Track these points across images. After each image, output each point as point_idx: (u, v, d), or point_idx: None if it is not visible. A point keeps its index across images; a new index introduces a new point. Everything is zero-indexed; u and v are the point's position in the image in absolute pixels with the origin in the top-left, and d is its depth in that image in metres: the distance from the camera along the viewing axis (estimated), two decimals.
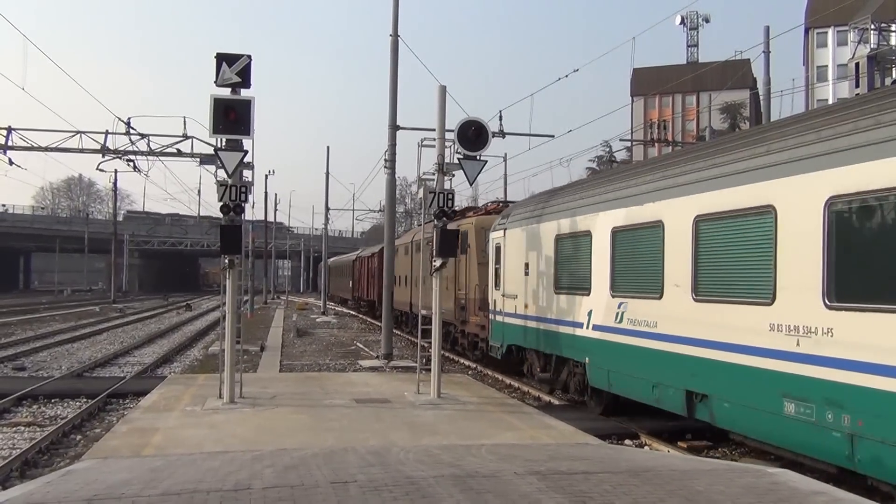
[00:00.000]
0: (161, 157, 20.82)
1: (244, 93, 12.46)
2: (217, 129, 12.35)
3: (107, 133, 19.51)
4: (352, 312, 52.66)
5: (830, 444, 7.87)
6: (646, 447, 11.43)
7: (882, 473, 7.37)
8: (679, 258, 10.50)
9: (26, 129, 19.80)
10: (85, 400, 14.95)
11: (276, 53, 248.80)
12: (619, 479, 7.53)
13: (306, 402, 12.97)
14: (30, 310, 51.92)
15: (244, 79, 12.33)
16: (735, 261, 9.53)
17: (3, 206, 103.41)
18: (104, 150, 19.69)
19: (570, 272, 14.25)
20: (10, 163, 21.41)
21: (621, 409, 13.09)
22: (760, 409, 8.92)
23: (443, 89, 14.39)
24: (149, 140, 19.63)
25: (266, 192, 61.23)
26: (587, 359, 13.32)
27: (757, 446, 9.73)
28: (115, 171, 61.30)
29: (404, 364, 20.48)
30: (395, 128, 21.48)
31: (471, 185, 15.82)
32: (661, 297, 11.00)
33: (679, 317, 10.56)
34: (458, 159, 13.69)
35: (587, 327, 13.25)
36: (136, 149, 19.82)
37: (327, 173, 51.17)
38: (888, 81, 24.70)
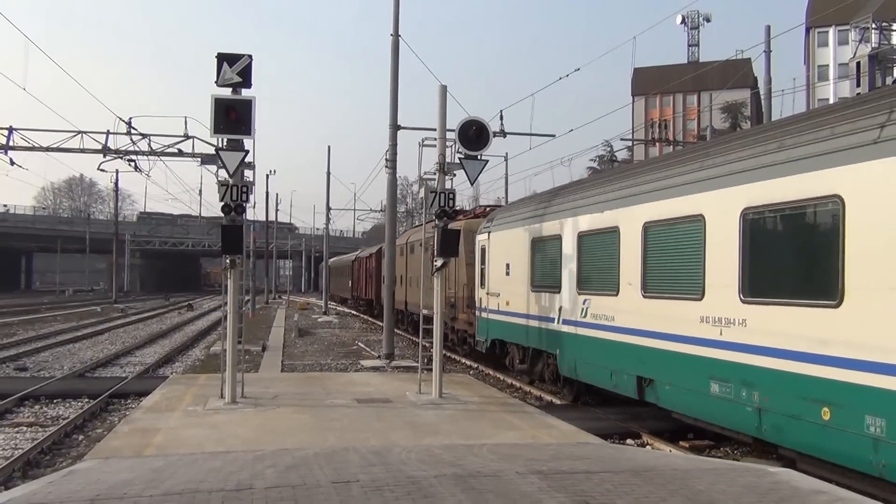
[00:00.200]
0: (162, 157, 20.84)
1: (245, 93, 12.47)
2: (218, 128, 12.35)
3: (108, 133, 19.54)
4: (353, 312, 52.67)
5: (744, 417, 9.23)
6: (647, 447, 11.44)
7: (781, 440, 8.82)
8: (631, 259, 11.85)
9: (27, 130, 19.84)
10: (87, 400, 14.97)
11: (276, 53, 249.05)
12: (620, 478, 7.53)
13: (308, 401, 12.98)
14: (31, 310, 51.95)
15: (245, 79, 12.33)
16: (675, 262, 10.91)
17: (5, 206, 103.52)
18: (105, 151, 19.69)
19: (544, 272, 15.58)
20: (12, 163, 21.46)
21: (593, 397, 14.49)
22: (693, 389, 10.23)
23: (443, 89, 14.39)
24: (150, 140, 19.67)
25: (267, 192, 61.29)
26: (558, 350, 14.68)
27: (758, 446, 9.82)
28: (117, 172, 61.42)
29: (406, 364, 20.48)
30: (395, 127, 21.47)
31: (472, 184, 15.84)
32: (617, 294, 12.35)
33: (631, 311, 11.88)
34: (460, 159, 13.69)
35: (558, 322, 14.59)
36: (137, 149, 19.85)
37: (328, 173, 50.97)
38: (889, 81, 24.69)
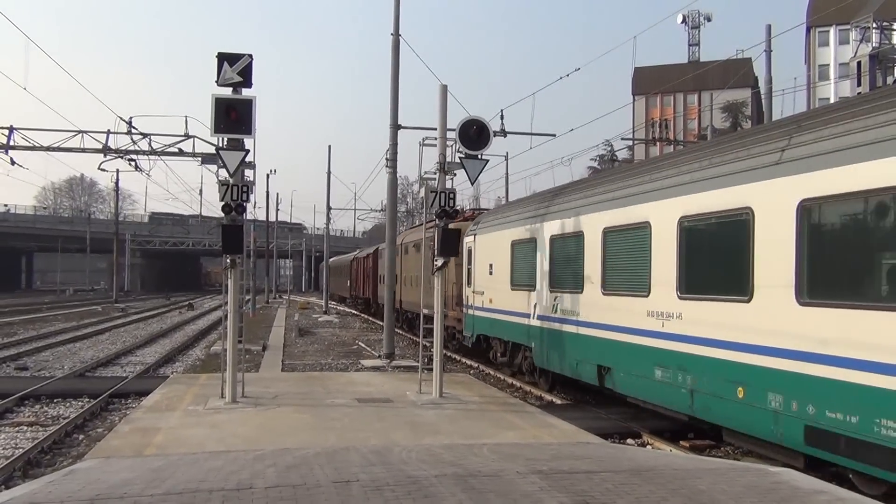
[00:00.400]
0: (163, 157, 20.84)
1: (245, 92, 12.46)
2: (218, 128, 12.35)
3: (108, 133, 19.52)
4: (353, 311, 52.69)
5: (680, 398, 10.63)
6: (648, 446, 11.44)
7: (707, 416, 10.22)
8: (593, 260, 13.26)
9: (28, 129, 19.82)
10: (87, 400, 14.97)
11: (277, 53, 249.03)
12: (621, 478, 7.52)
13: (308, 401, 12.98)
14: (32, 309, 51.98)
15: (245, 78, 12.32)
16: (628, 262, 12.23)
17: (6, 206, 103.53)
18: (106, 150, 19.68)
19: (522, 272, 16.88)
20: (12, 162, 21.45)
21: (569, 386, 15.84)
22: (642, 376, 11.58)
23: (444, 88, 14.38)
24: (150, 140, 19.65)
25: (267, 192, 61.31)
26: (533, 343, 16.12)
27: (759, 446, 9.82)
28: (117, 171, 61.41)
29: (406, 363, 20.48)
30: (396, 127, 21.46)
31: (472, 184, 15.84)
32: (581, 292, 13.73)
33: (593, 307, 13.29)
34: (460, 158, 13.68)
35: (533, 317, 15.99)
36: (137, 148, 19.83)
37: (329, 172, 50.81)
38: (890, 80, 24.67)
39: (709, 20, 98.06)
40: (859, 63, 25.75)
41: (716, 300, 9.86)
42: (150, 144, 19.76)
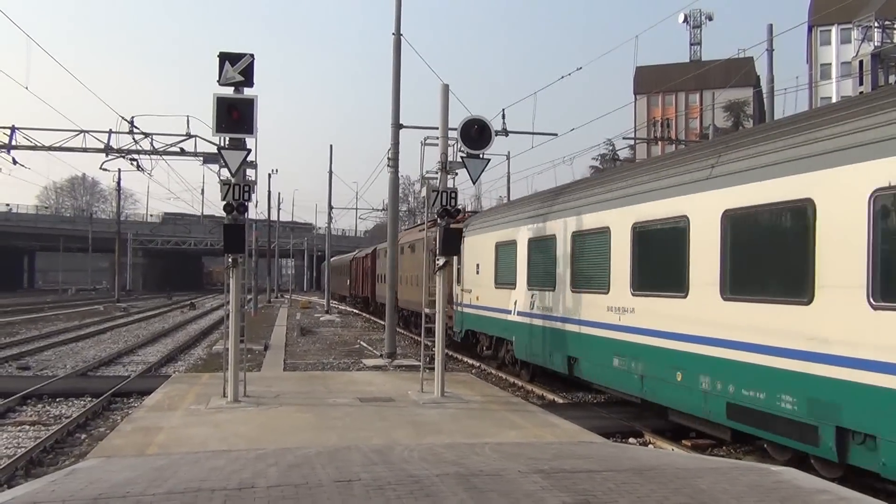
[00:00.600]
0: (164, 157, 20.81)
1: (247, 91, 12.44)
2: (220, 127, 12.34)
3: (110, 132, 19.48)
4: (355, 311, 52.70)
5: (633, 383, 12.03)
6: (650, 446, 11.44)
7: (654, 398, 11.59)
8: (564, 261, 14.62)
9: (30, 129, 19.79)
10: (89, 399, 14.98)
11: (278, 52, 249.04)
12: (622, 477, 7.52)
13: (310, 400, 12.98)
14: (34, 309, 52.03)
15: (247, 78, 12.31)
16: (592, 263, 13.58)
17: (7, 205, 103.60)
18: (108, 150, 19.64)
19: (504, 272, 18.20)
20: (14, 162, 21.44)
21: (548, 378, 16.91)
22: (603, 364, 13.00)
23: (445, 87, 14.37)
24: (152, 139, 19.60)
25: (269, 192, 61.37)
26: (514, 337, 17.51)
27: (760, 445, 9.88)
28: (119, 171, 61.38)
29: (408, 363, 20.49)
30: (397, 126, 21.46)
31: (474, 183, 15.80)
32: (554, 289, 15.01)
33: (563, 303, 14.64)
34: (462, 158, 13.66)
35: (514, 314, 17.37)
36: (139, 148, 19.78)
37: (330, 172, 50.72)
38: (892, 79, 24.64)
39: (710, 19, 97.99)
40: (861, 62, 25.71)
41: (661, 296, 11.25)
42: (151, 144, 19.73)
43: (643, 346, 11.64)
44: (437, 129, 14.34)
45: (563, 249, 14.66)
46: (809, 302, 8.30)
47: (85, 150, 19.78)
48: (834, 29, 72.78)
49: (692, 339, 10.36)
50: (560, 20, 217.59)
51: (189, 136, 18.52)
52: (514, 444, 9.67)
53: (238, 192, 12.44)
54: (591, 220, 13.60)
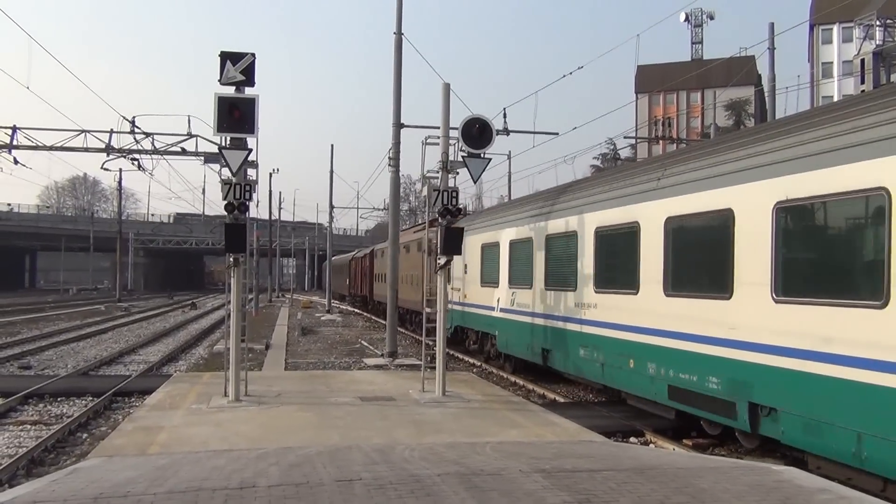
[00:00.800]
0: (166, 156, 20.81)
1: (248, 91, 12.44)
2: (221, 127, 12.33)
3: (111, 132, 19.49)
4: (356, 310, 52.73)
5: (596, 370, 13.46)
6: (650, 445, 11.43)
7: (612, 383, 13.12)
8: (540, 261, 15.98)
9: (31, 129, 19.80)
10: (90, 398, 14.99)
11: (280, 52, 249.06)
12: (623, 476, 7.52)
13: (311, 400, 12.98)
14: (35, 308, 52.08)
15: (248, 77, 12.31)
16: (563, 263, 14.88)
17: (9, 205, 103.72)
18: (109, 150, 19.64)
19: (488, 271, 19.56)
20: (16, 162, 21.45)
21: (530, 370, 17.89)
22: (572, 355, 14.32)
23: (447, 87, 14.36)
24: (153, 139, 19.61)
25: (270, 191, 61.36)
26: (497, 332, 18.91)
27: (761, 446, 9.90)
28: (120, 171, 61.60)
29: (409, 362, 20.49)
30: (399, 125, 21.46)
31: (475, 182, 15.79)
32: (531, 288, 16.36)
33: (539, 300, 15.97)
34: (463, 157, 13.65)
35: (497, 310, 18.73)
36: (140, 148, 19.78)
37: (331, 171, 50.61)
38: (894, 78, 24.60)
39: (712, 18, 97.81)
40: (863, 60, 25.67)
41: (617, 293, 12.67)
42: (152, 144, 19.72)
43: (603, 337, 13.08)
44: (438, 128, 14.34)
45: (538, 251, 16.12)
46: (730, 297, 9.69)
47: (86, 149, 19.79)
48: (835, 27, 72.72)
49: (641, 330, 11.83)
50: (561, 19, 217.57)
51: (190, 135, 18.52)
52: (514, 443, 9.67)
53: (239, 191, 12.43)
54: (560, 225, 15.07)
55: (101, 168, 25.60)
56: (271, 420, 11.13)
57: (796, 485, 7.30)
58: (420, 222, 40.84)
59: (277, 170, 73.35)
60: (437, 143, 14.04)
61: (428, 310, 15.19)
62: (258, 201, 54.15)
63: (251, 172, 12.89)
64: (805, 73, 76.44)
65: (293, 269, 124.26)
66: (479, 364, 20.97)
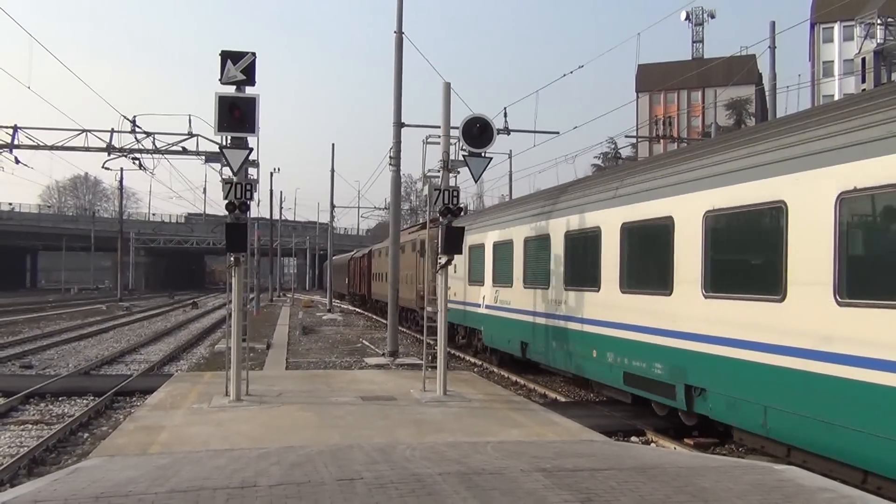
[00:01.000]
0: (166, 156, 20.82)
1: (249, 90, 12.42)
2: (222, 126, 12.32)
3: (112, 131, 19.50)
4: (357, 309, 52.76)
5: (566, 360, 14.79)
6: (652, 444, 11.43)
7: (580, 371, 14.36)
8: (519, 261, 17.39)
9: (32, 128, 19.79)
10: (92, 398, 15.00)
11: (281, 51, 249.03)
12: (624, 475, 7.52)
13: (312, 399, 12.98)
14: (36, 308, 52.12)
15: (249, 76, 12.29)
16: (538, 263, 16.21)
17: (10, 204, 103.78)
18: (110, 149, 19.64)
19: (475, 271, 20.91)
20: (17, 161, 21.46)
21: (515, 364, 19.04)
22: (546, 347, 15.72)
23: (447, 86, 14.34)
24: (154, 138, 19.62)
25: (271, 190, 61.37)
26: (482, 327, 20.31)
27: (762, 444, 9.89)
28: (121, 170, 61.62)
29: (410, 361, 20.48)
30: (399, 125, 21.44)
31: (476, 181, 15.81)
32: (511, 286, 17.79)
33: (518, 297, 17.43)
34: (463, 156, 13.63)
35: (482, 307, 20.11)
36: (141, 147, 19.79)
37: (332, 171, 50.56)
38: (894, 76, 24.57)
39: (712, 17, 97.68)
40: (864, 59, 25.64)
41: (583, 290, 13.99)
42: (153, 143, 19.73)
43: (571, 330, 14.44)
44: (438, 127, 14.31)
45: (517, 252, 17.56)
46: (671, 293, 11.03)
47: (87, 149, 19.81)
48: (836, 26, 72.65)
49: (602, 323, 13.18)
50: (562, 18, 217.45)
51: (191, 135, 18.53)
52: (516, 442, 9.67)
53: (240, 190, 12.43)
54: (536, 229, 16.47)
55: (102, 167, 25.65)
56: (272, 419, 11.13)
57: (798, 484, 7.29)
58: (420, 222, 41.21)
59: (279, 169, 73.31)
60: (438, 143, 14.02)
61: (429, 309, 15.20)
62: (259, 200, 54.19)
63: (252, 172, 12.88)
64: (806, 71, 76.47)
65: (294, 269, 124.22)
66: (479, 363, 20.98)
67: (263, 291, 61.87)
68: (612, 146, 77.55)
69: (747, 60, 64.38)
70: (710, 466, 8.18)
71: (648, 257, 11.99)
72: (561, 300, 14.92)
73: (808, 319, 8.34)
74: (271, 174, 59.98)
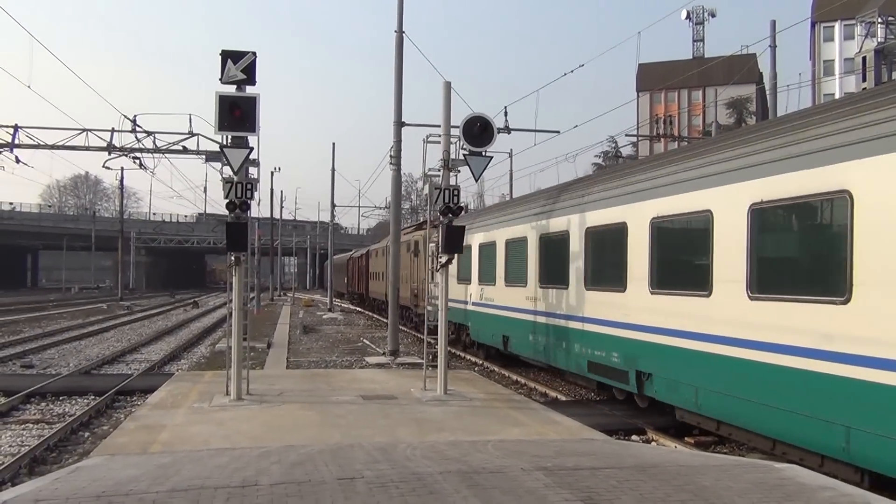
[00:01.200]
0: (167, 155, 20.81)
1: (249, 90, 12.42)
2: (222, 126, 12.31)
3: (113, 131, 19.49)
4: (357, 308, 52.77)
5: (541, 352, 16.08)
6: (652, 443, 11.42)
7: (551, 361, 15.79)
8: (501, 261, 18.85)
9: (33, 128, 19.79)
10: (93, 397, 15.01)
11: (282, 51, 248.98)
12: (625, 474, 7.52)
13: (313, 398, 12.99)
14: (38, 307, 52.13)
15: (249, 76, 12.29)
16: (517, 263, 17.54)
17: (11, 204, 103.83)
18: (110, 148, 19.63)
19: (463, 269, 21.70)
20: (17, 161, 21.47)
21: (502, 358, 20.04)
22: (524, 340, 17.09)
23: (448, 85, 14.34)
24: (155, 137, 19.61)
25: (272, 190, 61.34)
26: (469, 323, 21.50)
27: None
28: (122, 169, 61.60)
29: (411, 360, 20.48)
30: (400, 124, 21.44)
31: (476, 181, 15.81)
32: (494, 284, 19.16)
33: (500, 294, 18.79)
34: (464, 155, 13.63)
35: (469, 304, 21.34)
36: (142, 146, 19.78)
37: (333, 170, 50.47)
38: (895, 75, 24.56)
39: (713, 16, 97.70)
40: (864, 58, 25.63)
41: (554, 287, 15.37)
42: (154, 142, 19.72)
43: (545, 324, 15.79)
44: (439, 126, 14.31)
45: (499, 253, 18.94)
46: (625, 290, 12.40)
47: (87, 148, 19.81)
48: (837, 25, 72.63)
49: (570, 317, 14.52)
50: (562, 17, 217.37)
51: (191, 134, 18.52)
52: (516, 441, 9.67)
53: (240, 190, 12.43)
54: (516, 231, 17.87)
55: (103, 167, 25.63)
56: (273, 418, 11.14)
57: (799, 482, 7.29)
58: (415, 223, 41.68)
59: (279, 168, 73.35)
60: (439, 142, 14.01)
61: (429, 308, 15.20)
62: (259, 199, 54.23)
63: (252, 171, 12.88)
64: (807, 70, 76.42)
65: (295, 268, 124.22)
66: (480, 362, 21.00)
67: (264, 291, 61.87)
68: (613, 145, 77.54)
69: (748, 59, 64.33)
70: (711, 465, 8.18)
71: (608, 259, 13.25)
72: (535, 297, 16.30)
73: (728, 311, 9.76)
74: (272, 173, 60.00)
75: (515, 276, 17.63)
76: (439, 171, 13.79)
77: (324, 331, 32.65)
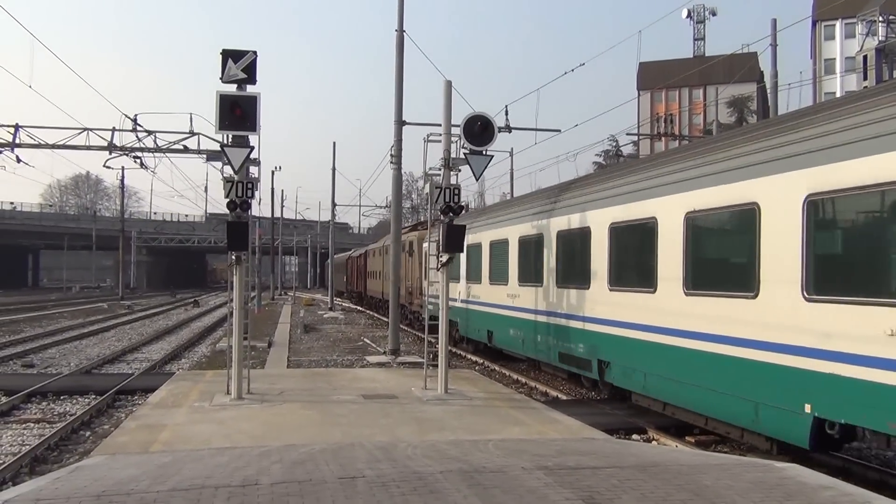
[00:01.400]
0: (168, 154, 20.84)
1: (250, 89, 12.41)
2: (223, 125, 12.30)
3: (114, 130, 19.55)
4: (358, 307, 52.78)
5: (518, 344, 17.54)
6: (653, 442, 11.42)
7: (528, 353, 17.24)
8: (486, 261, 20.07)
9: (34, 127, 19.85)
10: (94, 396, 15.02)
11: (282, 50, 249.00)
12: (626, 473, 7.51)
13: (314, 397, 12.98)
14: (38, 307, 52.16)
15: (250, 75, 12.28)
16: (500, 262, 18.81)
17: (12, 203, 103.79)
18: (111, 148, 19.69)
19: (453, 268, 23.56)
20: (18, 160, 21.51)
21: (494, 354, 20.93)
22: (506, 335, 18.35)
23: (448, 84, 14.33)
24: (155, 137, 19.66)
25: (273, 189, 61.34)
26: (458, 320, 22.31)
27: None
28: (123, 169, 61.55)
29: (411, 360, 20.48)
30: (400, 123, 21.45)
31: (477, 180, 15.80)
32: (480, 283, 20.39)
33: (485, 292, 19.99)
34: (465, 154, 13.61)
35: (458, 301, 22.19)
36: (142, 146, 19.82)
37: (333, 169, 50.39)
38: None
39: (714, 14, 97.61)
40: (865, 57, 25.63)
41: (531, 286, 16.55)
42: (155, 142, 19.79)
43: (522, 319, 17.01)
44: (440, 125, 14.30)
45: (484, 253, 20.19)
46: (588, 287, 13.66)
47: (88, 147, 19.86)
48: (838, 24, 72.59)
49: (543, 312, 15.79)
50: (563, 16, 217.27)
51: (192, 133, 18.57)
52: (517, 440, 9.67)
53: (241, 189, 12.42)
54: (498, 234, 19.10)
55: (104, 166, 25.64)
56: (274, 418, 11.14)
57: (799, 481, 7.29)
58: (415, 223, 41.91)
59: (280, 167, 73.31)
60: (439, 141, 14.01)
61: (429, 306, 15.22)
62: (260, 199, 54.23)
63: (253, 170, 12.88)
64: (808, 69, 76.36)
65: (295, 267, 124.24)
66: (481, 362, 21.00)
67: (265, 290, 61.87)
68: (614, 144, 77.46)
69: (749, 58, 64.27)
70: (712, 464, 8.17)
71: (576, 259, 14.41)
72: (515, 294, 17.56)
73: (669, 305, 11.07)
74: (273, 172, 59.98)
75: (498, 275, 18.84)
76: (440, 170, 13.78)
77: (324, 330, 32.65)
